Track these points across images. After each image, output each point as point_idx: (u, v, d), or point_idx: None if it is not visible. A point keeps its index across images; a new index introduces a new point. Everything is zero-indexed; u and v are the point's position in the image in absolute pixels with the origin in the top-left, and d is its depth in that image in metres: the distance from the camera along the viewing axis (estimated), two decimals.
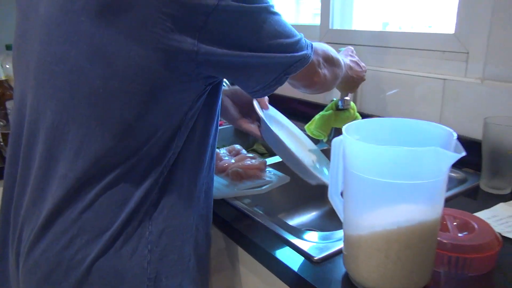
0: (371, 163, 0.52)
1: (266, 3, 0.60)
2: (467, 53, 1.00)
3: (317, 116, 1.04)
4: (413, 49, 1.13)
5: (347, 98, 0.99)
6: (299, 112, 1.50)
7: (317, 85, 0.76)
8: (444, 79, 1.05)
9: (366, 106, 1.28)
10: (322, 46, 0.77)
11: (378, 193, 0.53)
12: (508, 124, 0.83)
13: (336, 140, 0.60)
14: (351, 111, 1.03)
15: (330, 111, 1.03)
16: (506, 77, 0.93)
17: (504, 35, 0.92)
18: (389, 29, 1.41)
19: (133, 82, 0.56)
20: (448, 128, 0.56)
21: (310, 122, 1.04)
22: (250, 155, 1.07)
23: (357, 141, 0.53)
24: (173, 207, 0.65)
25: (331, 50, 0.80)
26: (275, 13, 0.62)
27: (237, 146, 1.11)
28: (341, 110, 1.03)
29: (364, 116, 1.24)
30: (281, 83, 0.66)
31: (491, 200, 0.85)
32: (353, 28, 1.38)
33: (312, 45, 0.69)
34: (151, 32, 0.54)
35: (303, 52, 0.65)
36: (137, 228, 0.61)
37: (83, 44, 0.56)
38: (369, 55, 1.25)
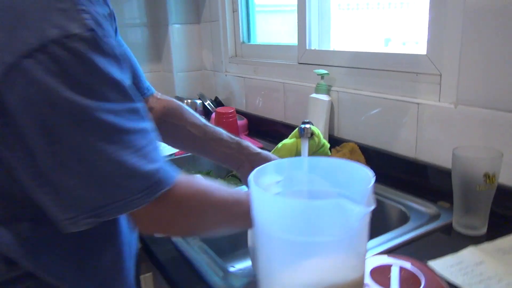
0: (273, 216, 0.44)
1: (106, 100, 0.45)
2: (440, 75, 0.92)
3: (279, 145, 0.96)
4: (387, 70, 1.05)
5: (307, 126, 0.91)
6: (280, 134, 1.42)
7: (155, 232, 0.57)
8: (418, 103, 0.96)
9: (343, 131, 1.20)
10: (212, 192, 0.57)
11: (283, 251, 0.45)
12: (477, 156, 0.74)
13: (249, 180, 0.52)
14: (316, 139, 0.95)
15: (293, 139, 0.96)
16: (478, 102, 0.84)
17: (474, 57, 0.84)
18: (391, 45, 1.32)
19: None
20: (368, 171, 0.48)
21: (272, 150, 0.97)
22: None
23: (257, 189, 0.46)
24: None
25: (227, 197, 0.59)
26: (118, 127, 0.46)
27: (199, 177, 1.04)
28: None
29: (341, 141, 1.16)
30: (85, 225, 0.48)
31: (461, 242, 0.76)
32: (332, 48, 1.31)
33: (161, 185, 0.50)
34: None
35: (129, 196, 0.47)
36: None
37: None
38: (346, 77, 1.17)
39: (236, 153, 0.85)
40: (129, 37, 1.88)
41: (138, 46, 1.92)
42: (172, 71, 1.90)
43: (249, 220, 0.47)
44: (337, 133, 1.22)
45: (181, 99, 1.73)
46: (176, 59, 1.89)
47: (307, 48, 1.31)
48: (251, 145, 0.87)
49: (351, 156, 1.11)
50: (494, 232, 0.78)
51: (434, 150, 0.95)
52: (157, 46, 1.96)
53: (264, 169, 0.53)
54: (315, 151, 0.98)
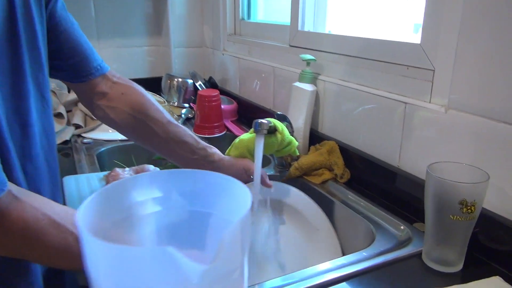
0: (94, 261, 0.32)
1: None
2: (433, 70, 0.75)
3: (236, 140, 0.83)
4: (377, 60, 0.89)
5: (263, 121, 0.77)
6: None
7: None
8: (406, 103, 0.80)
9: (327, 127, 1.05)
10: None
11: None
12: (455, 177, 0.58)
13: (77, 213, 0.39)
14: (278, 136, 0.81)
15: (253, 134, 0.82)
16: (472, 108, 0.68)
17: (472, 52, 0.67)
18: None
19: None
20: (248, 198, 0.35)
21: (229, 147, 0.84)
22: None
23: (80, 226, 0.33)
24: None
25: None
26: None
27: (151, 167, 0.93)
28: (265, 135, 0.82)
29: (323, 138, 1.01)
30: None
31: (428, 280, 0.61)
32: (327, 31, 1.15)
33: None
34: None
35: None
36: None
37: None
38: (334, 65, 1.02)
39: (200, 160, 0.77)
40: (130, 8, 1.77)
41: (139, 18, 1.81)
42: (170, 46, 1.78)
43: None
44: (321, 129, 1.07)
45: (172, 77, 1.62)
46: (175, 33, 1.77)
47: (299, 29, 1.16)
48: (218, 152, 0.79)
49: (329, 157, 0.96)
50: (472, 270, 0.63)
51: (419, 161, 0.79)
52: (158, 20, 1.84)
53: (136, 181, 0.41)
54: (278, 150, 0.84)
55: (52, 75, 0.76)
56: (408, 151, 0.81)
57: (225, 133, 1.36)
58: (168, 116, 0.79)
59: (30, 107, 0.61)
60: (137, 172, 0.92)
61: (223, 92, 1.62)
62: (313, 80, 1.04)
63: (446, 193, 0.59)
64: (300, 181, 0.97)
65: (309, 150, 1.03)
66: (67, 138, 1.22)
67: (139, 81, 1.84)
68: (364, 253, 0.67)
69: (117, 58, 1.77)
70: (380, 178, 0.87)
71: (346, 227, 0.83)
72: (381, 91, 0.87)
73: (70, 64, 0.73)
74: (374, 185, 0.88)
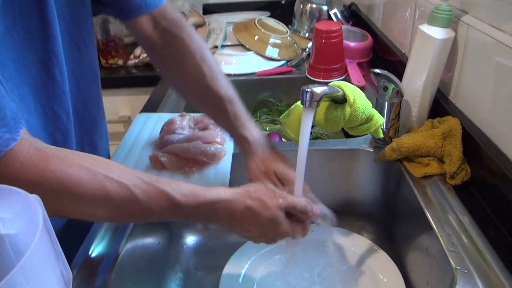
0: None
1: None
2: None
3: (292, 106, 0.62)
4: None
5: (316, 89, 0.52)
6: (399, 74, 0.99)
7: None
8: None
9: (462, 96, 0.71)
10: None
11: None
12: None
13: None
14: (347, 109, 0.56)
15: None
16: None
17: None
18: None
19: None
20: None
21: (283, 115, 0.64)
22: (219, 137, 0.76)
23: None
24: None
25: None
26: None
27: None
28: (334, 103, 0.58)
29: (450, 112, 0.70)
30: None
31: None
32: None
33: None
34: None
35: None
36: None
37: None
38: (496, 1, 0.64)
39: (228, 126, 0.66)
40: None
41: None
42: None
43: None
44: (452, 97, 0.74)
45: (306, 1, 1.38)
46: None
47: None
48: (248, 123, 0.64)
49: (442, 142, 0.66)
50: None
51: None
52: None
53: None
54: (351, 127, 0.60)
55: (103, 10, 0.70)
56: None
57: (344, 79, 1.11)
58: (210, 70, 0.66)
59: (59, 49, 0.56)
60: (197, 122, 0.80)
61: (363, 24, 1.31)
62: (450, 23, 0.70)
63: None
64: (393, 167, 0.70)
65: (382, 132, 0.71)
66: None
67: (277, 3, 1.67)
68: None
69: None
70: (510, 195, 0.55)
71: (419, 262, 0.56)
72: None
73: None
74: (501, 207, 0.57)
